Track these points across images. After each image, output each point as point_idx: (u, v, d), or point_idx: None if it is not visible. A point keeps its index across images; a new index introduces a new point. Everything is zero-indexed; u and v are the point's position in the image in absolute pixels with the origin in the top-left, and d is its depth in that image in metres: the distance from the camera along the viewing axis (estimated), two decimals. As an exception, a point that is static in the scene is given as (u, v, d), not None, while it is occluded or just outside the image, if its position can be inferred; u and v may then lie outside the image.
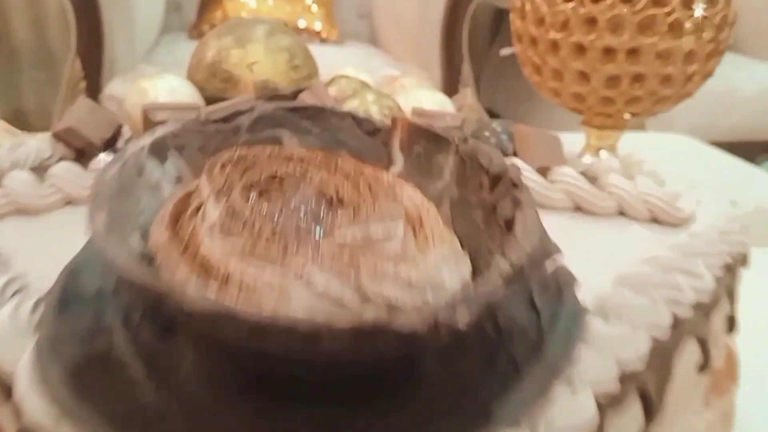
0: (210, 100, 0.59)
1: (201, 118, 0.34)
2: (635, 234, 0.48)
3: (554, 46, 0.62)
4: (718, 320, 0.41)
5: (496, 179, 0.31)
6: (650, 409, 0.32)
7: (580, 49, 0.61)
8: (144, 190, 0.30)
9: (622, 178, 0.51)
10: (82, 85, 1.52)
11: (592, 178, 0.52)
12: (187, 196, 0.30)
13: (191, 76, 0.59)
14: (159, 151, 0.32)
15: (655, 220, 0.50)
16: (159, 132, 0.32)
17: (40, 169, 0.52)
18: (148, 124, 0.50)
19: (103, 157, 0.49)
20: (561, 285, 0.32)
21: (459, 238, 0.32)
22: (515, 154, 0.58)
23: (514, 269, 0.24)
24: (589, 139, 0.69)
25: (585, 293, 0.33)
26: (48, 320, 0.28)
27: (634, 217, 0.50)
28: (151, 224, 0.29)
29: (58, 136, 0.53)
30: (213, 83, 0.57)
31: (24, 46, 1.64)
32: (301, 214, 0.27)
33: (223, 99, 0.57)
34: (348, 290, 0.24)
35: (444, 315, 0.22)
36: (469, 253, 0.31)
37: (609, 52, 0.60)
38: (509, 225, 0.28)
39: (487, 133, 0.60)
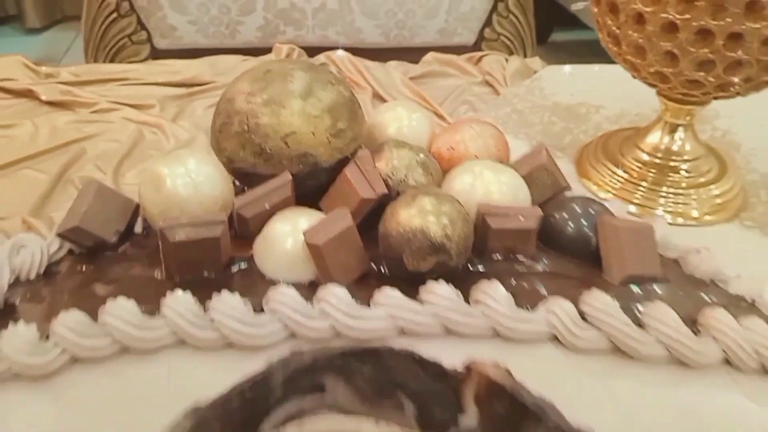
0: (239, 173, 0.50)
1: (218, 399, 0.26)
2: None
3: (640, 18, 0.51)
4: None
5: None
6: None
7: (672, 28, 0.50)
8: None
9: (726, 316, 0.43)
10: None
11: (690, 321, 0.43)
12: None
13: (216, 141, 0.50)
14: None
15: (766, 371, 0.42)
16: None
17: (46, 276, 0.46)
18: (168, 246, 0.42)
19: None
20: None
21: None
22: (597, 249, 0.49)
23: None
24: (664, 113, 0.60)
25: None
26: None
27: (740, 367, 0.42)
28: None
29: (64, 237, 0.46)
30: (243, 156, 0.48)
31: None
32: None
33: (254, 174, 0.49)
34: None
35: None
36: None
37: (705, 33, 0.49)
38: None
39: (565, 215, 0.51)
